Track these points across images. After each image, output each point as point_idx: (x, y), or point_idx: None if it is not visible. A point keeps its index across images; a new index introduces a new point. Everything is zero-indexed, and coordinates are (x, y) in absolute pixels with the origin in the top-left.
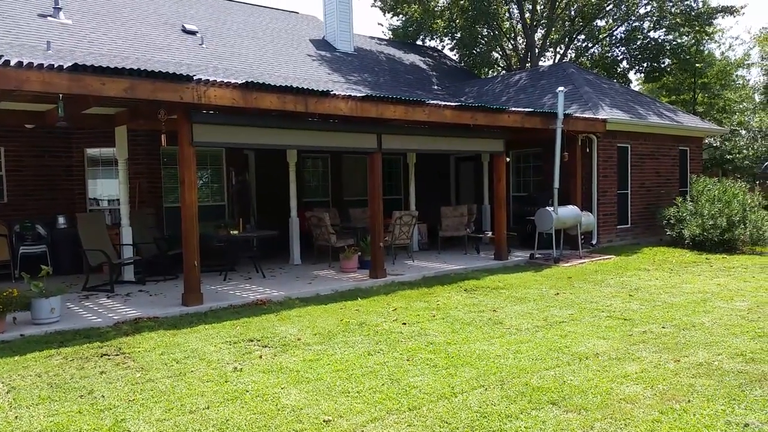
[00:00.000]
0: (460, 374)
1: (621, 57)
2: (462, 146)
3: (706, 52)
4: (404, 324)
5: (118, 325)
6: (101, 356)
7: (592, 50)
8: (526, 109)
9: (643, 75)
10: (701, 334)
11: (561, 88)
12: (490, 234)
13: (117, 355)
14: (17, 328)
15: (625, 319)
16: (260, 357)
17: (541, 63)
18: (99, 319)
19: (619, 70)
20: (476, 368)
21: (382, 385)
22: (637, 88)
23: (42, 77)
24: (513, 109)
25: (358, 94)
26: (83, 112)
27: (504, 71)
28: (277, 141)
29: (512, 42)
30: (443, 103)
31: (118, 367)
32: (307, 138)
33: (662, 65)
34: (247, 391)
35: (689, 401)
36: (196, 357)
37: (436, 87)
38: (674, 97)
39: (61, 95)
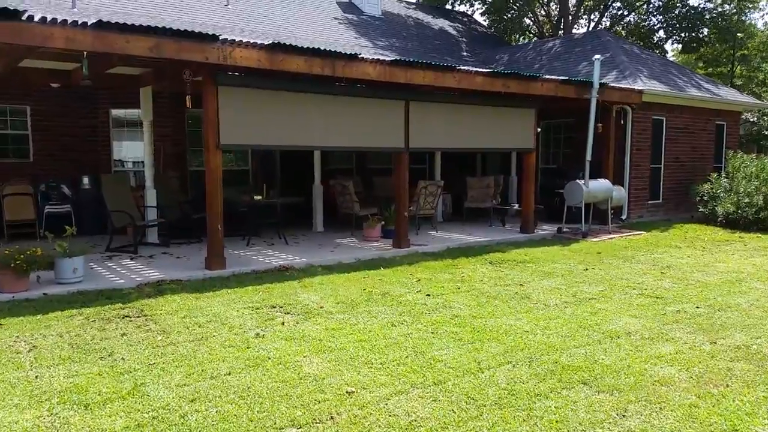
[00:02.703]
0: (486, 349)
1: (658, 26)
2: (492, 116)
3: (748, 21)
4: (428, 295)
5: (140, 287)
6: (123, 318)
7: (627, 18)
8: (560, 77)
9: (680, 45)
10: (738, 315)
11: (597, 56)
12: (516, 206)
13: (139, 317)
14: (41, 287)
15: (657, 298)
16: (282, 324)
17: (574, 31)
18: (122, 281)
19: (655, 39)
20: (503, 343)
21: (406, 357)
22: (672, 59)
23: (66, 34)
24: (547, 76)
25: (387, 58)
26: (108, 72)
27: (536, 39)
28: (302, 106)
29: (545, 8)
30: (474, 69)
31: (139, 329)
32: (333, 102)
33: (701, 35)
34: (269, 358)
35: (727, 386)
36: (218, 321)
37: (465, 54)
38: (711, 69)
39: (85, 53)
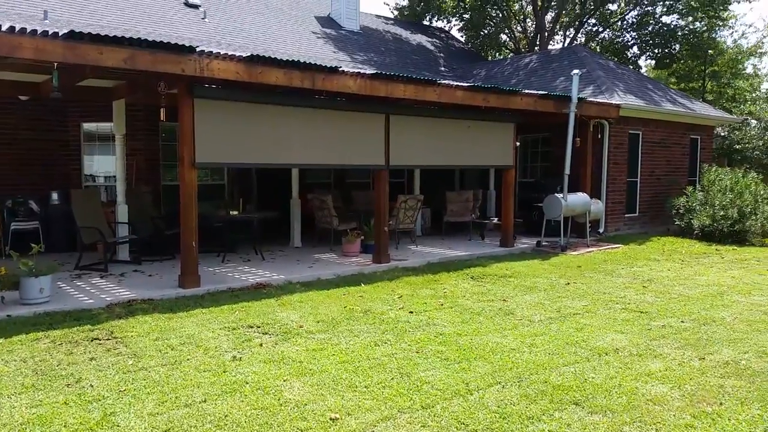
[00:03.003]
0: (473, 369)
1: (632, 42)
2: (472, 132)
3: (719, 38)
4: (411, 313)
5: (110, 307)
6: (92, 340)
7: (602, 35)
8: (540, 92)
9: (653, 61)
10: (723, 330)
11: (576, 71)
12: (495, 220)
13: (108, 339)
14: (5, 308)
15: (641, 312)
16: (260, 345)
17: (550, 47)
18: (91, 300)
19: (629, 55)
20: (490, 363)
21: (392, 379)
22: (646, 75)
23: (35, 44)
24: (526, 91)
25: (367, 71)
26: (80, 85)
27: (512, 54)
28: (281, 119)
29: (521, 24)
30: (455, 83)
31: (109, 353)
32: (313, 116)
33: (673, 51)
34: (247, 383)
35: (721, 404)
36: (193, 344)
37: (443, 68)
38: (683, 84)
39: (55, 64)
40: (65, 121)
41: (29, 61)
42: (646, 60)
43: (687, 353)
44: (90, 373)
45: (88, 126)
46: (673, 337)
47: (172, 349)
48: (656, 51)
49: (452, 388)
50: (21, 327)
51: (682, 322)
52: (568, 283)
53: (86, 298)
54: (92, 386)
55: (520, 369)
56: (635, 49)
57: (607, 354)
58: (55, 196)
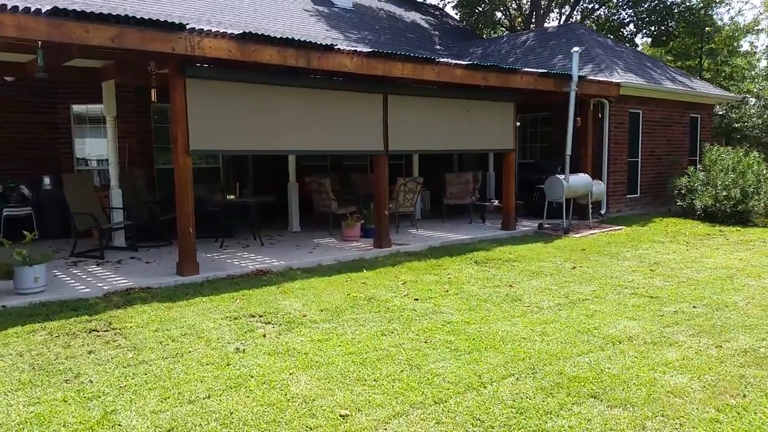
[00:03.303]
0: (485, 360)
1: (628, 20)
2: (472, 113)
3: (715, 16)
4: (416, 300)
5: (108, 296)
6: (89, 332)
7: (598, 12)
8: (539, 70)
9: (650, 39)
10: (737, 315)
11: (576, 49)
12: (496, 202)
13: (107, 330)
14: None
15: (651, 297)
16: (264, 336)
17: (546, 25)
18: (87, 289)
19: (625, 33)
20: (502, 353)
21: (401, 371)
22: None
23: (17, 21)
24: (526, 69)
25: (364, 50)
26: (67, 65)
27: (507, 33)
28: (276, 101)
29: (516, 2)
30: (454, 61)
31: (107, 345)
32: (308, 97)
33: (670, 29)
34: (252, 377)
35: (745, 396)
36: (194, 335)
37: (438, 47)
38: (680, 62)
39: (39, 43)
40: (54, 102)
41: (12, 40)
42: (642, 38)
43: (703, 341)
44: (89, 368)
45: (78, 108)
46: (686, 323)
47: (172, 341)
48: (653, 29)
49: (464, 380)
50: (16, 318)
51: (694, 307)
52: (574, 267)
53: (83, 287)
54: (92, 382)
55: (533, 359)
56: (631, 26)
57: (620, 342)
58: (47, 180)
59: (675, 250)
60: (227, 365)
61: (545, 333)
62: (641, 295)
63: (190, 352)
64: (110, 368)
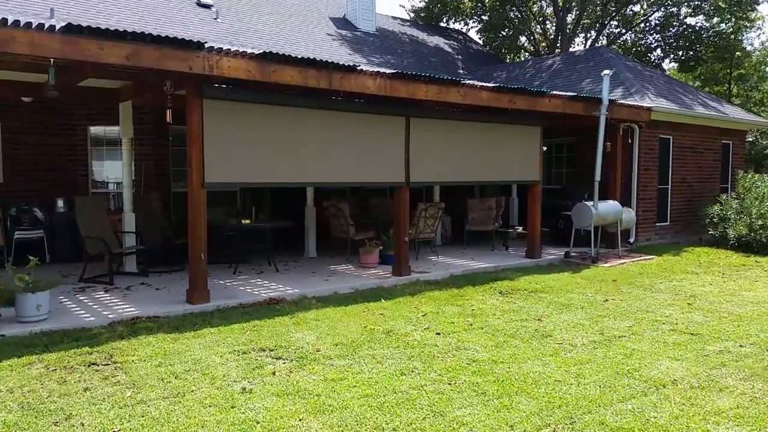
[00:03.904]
0: (516, 406)
1: (655, 44)
2: (497, 140)
3: (745, 41)
4: (438, 334)
5: (113, 325)
6: (88, 366)
7: (624, 36)
8: (568, 93)
9: (677, 64)
10: None
11: (607, 71)
12: (519, 229)
13: (107, 364)
14: (0, 327)
15: (692, 334)
16: (273, 374)
17: (571, 49)
18: (92, 318)
19: (652, 58)
20: (535, 398)
21: (423, 419)
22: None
23: (30, 38)
24: (554, 92)
25: (387, 71)
26: (84, 86)
27: (531, 58)
28: (296, 125)
29: (541, 26)
30: (480, 83)
31: (106, 381)
32: (329, 120)
33: (699, 54)
34: (258, 423)
35: None
36: (199, 371)
37: (462, 71)
38: (708, 88)
39: (52, 60)
40: (71, 124)
41: (25, 57)
42: (669, 63)
43: (757, 386)
44: (82, 408)
45: (95, 129)
46: (734, 365)
47: (175, 378)
48: (680, 53)
49: None
50: (14, 349)
51: (740, 346)
52: (606, 300)
53: (87, 315)
54: (83, 425)
55: (570, 406)
56: (658, 51)
57: (664, 386)
58: (60, 203)
59: (711, 282)
60: (232, 407)
61: (581, 375)
62: (681, 331)
63: (192, 391)
64: (105, 408)
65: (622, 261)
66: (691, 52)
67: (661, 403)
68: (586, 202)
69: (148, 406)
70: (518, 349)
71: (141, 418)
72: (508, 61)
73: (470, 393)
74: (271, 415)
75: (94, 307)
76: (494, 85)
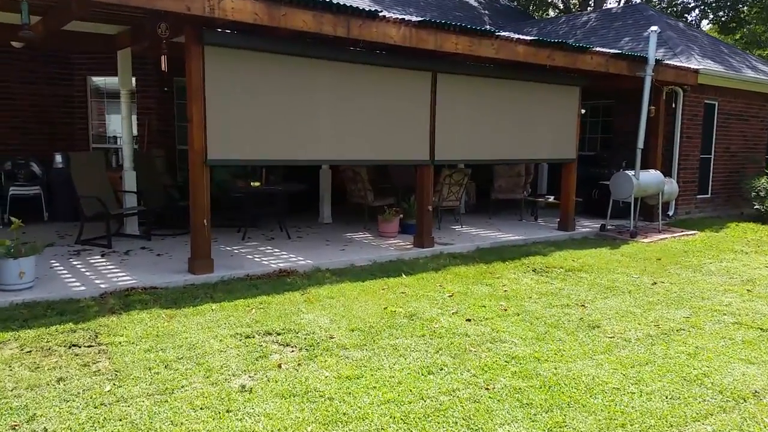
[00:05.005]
0: (570, 423)
1: (693, 4)
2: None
3: None
4: (468, 320)
5: (104, 296)
6: (69, 347)
7: None
8: (612, 51)
9: (716, 25)
10: None
11: (654, 28)
12: (550, 198)
13: (90, 346)
14: None
15: (761, 330)
16: (279, 366)
17: (604, 7)
18: (82, 287)
19: (689, 19)
20: (591, 412)
21: None
22: None
23: None
24: (597, 49)
25: (414, 18)
26: (78, 30)
27: (563, 14)
28: (309, 83)
29: None
30: (516, 36)
31: (85, 369)
32: (347, 73)
33: (741, 14)
34: None
35: None
36: (193, 360)
37: (489, 27)
38: (749, 52)
39: None
40: (69, 74)
41: None
42: (708, 24)
43: None
44: (50, 406)
45: (95, 80)
46: None
47: (165, 367)
48: (720, 14)
49: None
50: None
51: None
52: (655, 283)
53: (78, 284)
54: (45, 430)
55: (635, 425)
56: (696, 12)
57: (744, 400)
58: (59, 158)
59: (766, 264)
60: (227, 412)
61: (641, 380)
62: (747, 325)
63: (183, 386)
64: (77, 408)
65: (663, 236)
66: (733, 12)
67: (745, 422)
68: (627, 171)
69: (129, 406)
70: (563, 343)
71: (117, 423)
72: (536, 17)
73: (513, 403)
74: (273, 424)
75: (87, 274)
76: (532, 38)
